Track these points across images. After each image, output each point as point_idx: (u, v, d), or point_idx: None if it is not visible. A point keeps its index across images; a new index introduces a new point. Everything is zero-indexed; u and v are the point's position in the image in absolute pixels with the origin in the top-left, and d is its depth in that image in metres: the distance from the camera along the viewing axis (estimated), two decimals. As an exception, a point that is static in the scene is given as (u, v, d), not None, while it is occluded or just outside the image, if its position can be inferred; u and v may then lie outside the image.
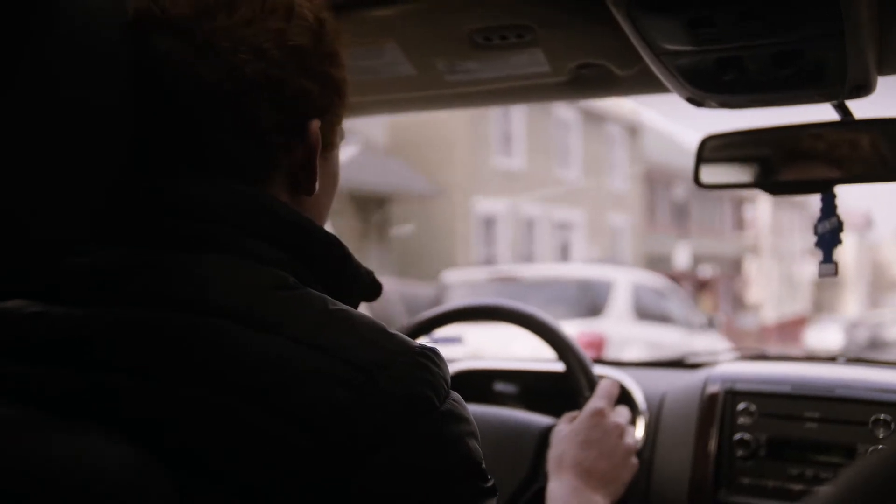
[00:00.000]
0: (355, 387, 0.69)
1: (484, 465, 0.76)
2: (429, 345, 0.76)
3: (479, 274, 9.20)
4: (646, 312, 9.31)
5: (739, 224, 35.58)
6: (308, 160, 0.83)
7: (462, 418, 0.74)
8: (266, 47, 0.79)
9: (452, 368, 1.82)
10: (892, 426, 1.38)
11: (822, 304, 40.70)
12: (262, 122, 0.80)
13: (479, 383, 1.86)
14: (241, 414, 0.67)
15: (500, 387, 1.87)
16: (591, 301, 8.74)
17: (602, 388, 1.35)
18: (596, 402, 1.31)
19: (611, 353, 7.85)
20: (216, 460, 0.68)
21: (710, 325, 10.25)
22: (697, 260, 28.45)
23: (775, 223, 37.41)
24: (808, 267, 38.26)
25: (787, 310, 34.35)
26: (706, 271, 28.96)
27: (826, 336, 23.19)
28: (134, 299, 0.73)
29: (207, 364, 0.69)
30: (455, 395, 0.76)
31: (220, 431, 0.68)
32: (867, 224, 43.80)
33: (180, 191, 0.78)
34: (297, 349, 0.70)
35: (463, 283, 9.06)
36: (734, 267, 33.76)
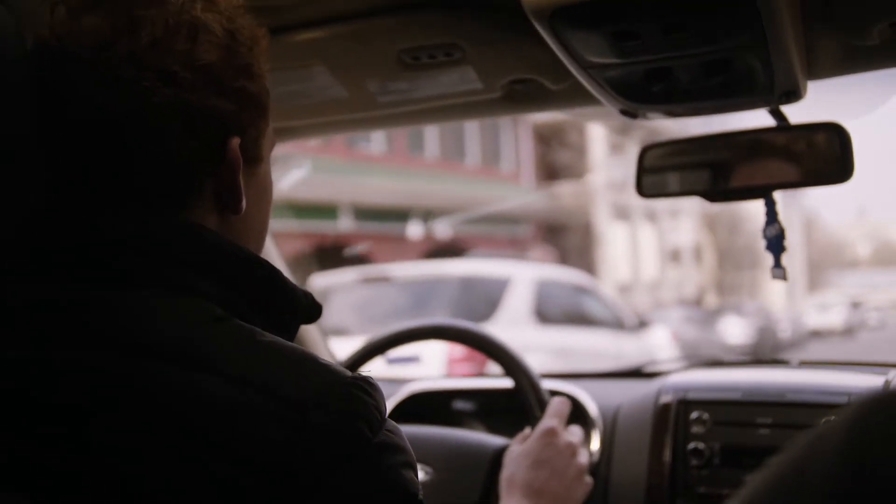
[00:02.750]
0: (288, 423, 0.69)
1: (421, 496, 0.76)
2: (363, 373, 0.76)
3: (348, 276, 8.20)
4: (554, 314, 8.17)
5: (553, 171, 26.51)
6: (231, 180, 0.82)
7: (397, 448, 0.74)
8: (174, 70, 0.76)
9: (412, 388, 1.83)
10: None
11: (732, 287, 34.92)
12: (177, 150, 0.78)
13: (438, 402, 1.86)
14: (176, 455, 0.67)
15: (459, 405, 1.88)
16: (480, 303, 7.59)
17: (553, 406, 1.35)
18: (547, 421, 1.32)
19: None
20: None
21: (643, 325, 9.31)
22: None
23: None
24: (689, 235, 32.64)
25: (669, 294, 29.33)
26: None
27: (729, 332, 19.17)
28: (61, 341, 0.72)
29: (140, 408, 0.69)
30: (390, 423, 0.76)
31: (155, 476, 0.67)
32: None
33: (98, 223, 0.76)
34: (228, 387, 0.69)
35: (330, 287, 8.11)
36: (581, 233, 26.12)
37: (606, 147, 27.48)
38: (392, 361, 1.49)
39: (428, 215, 18.59)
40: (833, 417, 0.51)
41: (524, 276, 8.13)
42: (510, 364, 1.45)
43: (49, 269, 0.76)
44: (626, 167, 27.34)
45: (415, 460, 0.77)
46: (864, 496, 0.44)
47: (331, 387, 0.73)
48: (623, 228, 28.66)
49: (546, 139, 25.97)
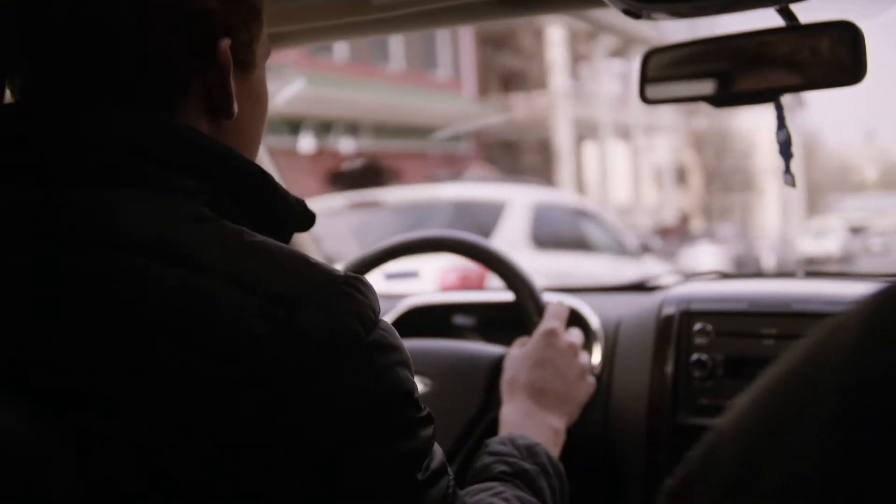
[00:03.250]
0: (274, 320, 0.68)
1: (417, 395, 0.76)
2: (355, 274, 0.75)
3: (336, 201, 7.93)
4: (551, 239, 7.90)
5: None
6: (222, 83, 0.80)
7: (391, 347, 0.74)
8: None
9: (411, 302, 1.83)
10: None
11: (722, 211, 32.59)
12: (161, 48, 0.76)
13: (437, 316, 1.86)
14: (154, 349, 0.67)
15: (458, 320, 1.87)
16: (474, 228, 6.97)
17: (551, 310, 1.35)
18: (547, 322, 1.32)
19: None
20: (128, 404, 0.67)
21: (645, 249, 9.01)
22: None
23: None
24: (669, 155, 30.34)
25: (645, 220, 26.10)
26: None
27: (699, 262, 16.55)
28: (47, 240, 0.71)
29: (120, 302, 0.68)
30: (384, 323, 0.75)
31: (132, 370, 0.67)
32: (797, 103, 31.30)
33: (83, 122, 0.75)
34: (212, 282, 0.69)
35: (319, 212, 8.12)
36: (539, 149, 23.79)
37: (569, 55, 24.82)
38: (390, 277, 1.49)
39: (329, 127, 16.43)
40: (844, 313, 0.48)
41: (521, 199, 7.94)
42: (509, 274, 1.44)
43: (19, 171, 0.74)
44: (594, 78, 25.97)
45: (410, 360, 0.76)
46: (878, 389, 0.42)
47: (322, 285, 0.72)
48: (589, 147, 26.43)
49: (494, 43, 23.39)
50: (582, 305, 1.64)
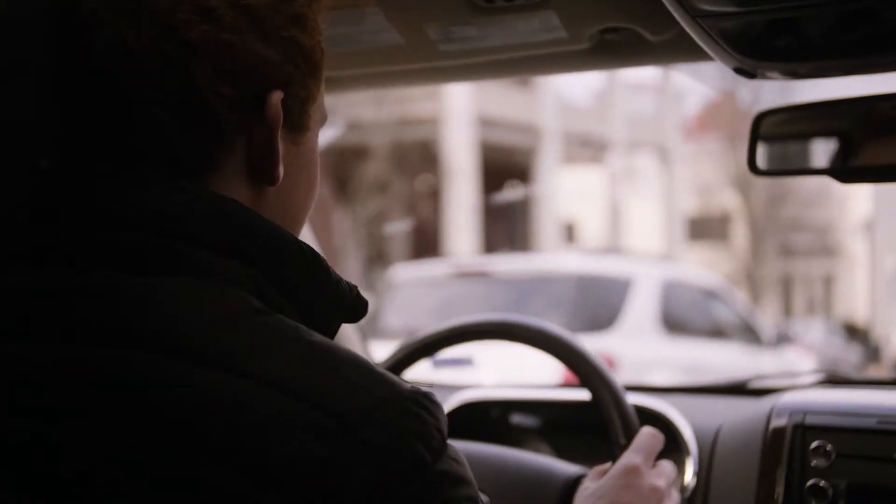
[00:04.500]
0: (331, 437, 0.63)
1: None
2: (423, 388, 0.70)
3: (437, 269, 7.47)
4: (682, 323, 7.26)
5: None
6: (268, 141, 0.74)
7: (460, 479, 0.68)
8: (214, 5, 0.71)
9: (463, 397, 1.67)
10: None
11: (772, 283, 22.29)
12: (207, 96, 0.71)
13: (494, 415, 1.70)
14: (197, 468, 0.62)
15: (518, 419, 1.70)
16: (599, 307, 6.68)
17: (641, 439, 1.16)
18: (631, 456, 1.13)
19: (627, 380, 6.10)
20: None
21: (783, 339, 8.39)
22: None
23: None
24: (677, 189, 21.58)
25: None
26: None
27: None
28: (71, 334, 0.67)
29: (154, 411, 0.64)
30: (452, 449, 0.69)
31: (170, 490, 0.62)
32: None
33: (114, 192, 0.70)
34: (261, 391, 0.64)
35: (417, 281, 7.35)
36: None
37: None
38: (440, 364, 1.36)
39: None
40: None
41: (648, 275, 7.25)
42: (589, 372, 1.27)
43: (47, 253, 0.70)
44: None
45: (478, 495, 0.70)
46: None
47: (385, 400, 0.67)
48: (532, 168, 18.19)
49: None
50: (672, 411, 1.45)
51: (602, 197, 20.10)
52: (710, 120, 22.70)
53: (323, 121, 0.84)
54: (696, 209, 24.17)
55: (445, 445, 0.69)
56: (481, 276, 7.04)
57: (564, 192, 19.08)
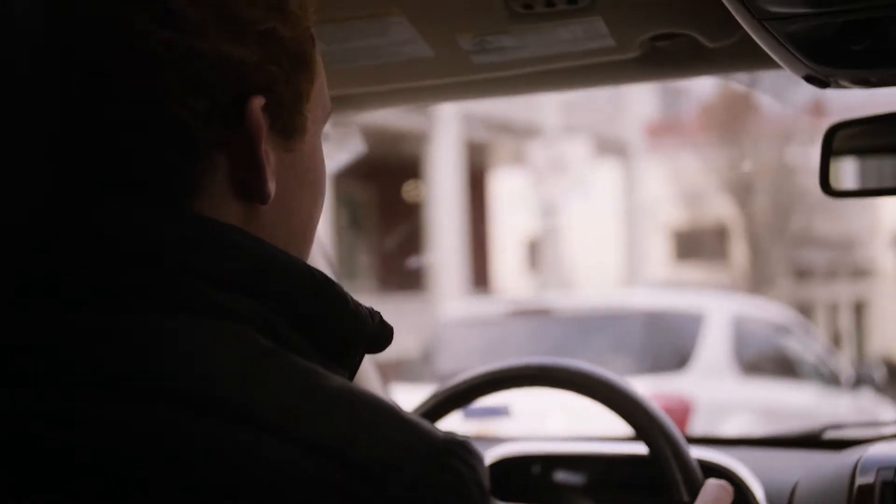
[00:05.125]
0: (354, 496, 0.58)
1: None
2: (459, 436, 0.64)
3: (493, 307, 7.03)
4: (755, 362, 6.82)
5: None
6: (250, 154, 0.67)
7: None
8: (175, 7, 0.64)
9: (500, 452, 1.58)
10: None
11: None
12: (176, 111, 0.65)
13: (535, 472, 1.61)
14: None
15: (562, 476, 1.61)
16: (670, 346, 6.33)
17: (707, 493, 1.06)
18: None
19: (702, 426, 5.47)
20: None
21: (861, 380, 7.64)
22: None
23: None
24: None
25: None
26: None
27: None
28: (78, 384, 0.62)
29: (151, 467, 0.59)
30: None
31: None
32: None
33: (101, 223, 0.65)
34: (283, 448, 0.59)
35: (471, 321, 6.95)
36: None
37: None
38: (472, 415, 1.28)
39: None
40: None
41: (719, 310, 6.76)
42: (646, 422, 1.17)
43: (40, 290, 0.66)
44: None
45: None
46: None
47: (416, 453, 0.61)
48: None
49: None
50: (740, 468, 1.35)
51: (527, 200, 14.85)
52: (700, 113, 18.74)
53: (325, 116, 0.77)
54: (685, 221, 20.52)
55: (488, 501, 0.63)
56: (543, 314, 6.73)
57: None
